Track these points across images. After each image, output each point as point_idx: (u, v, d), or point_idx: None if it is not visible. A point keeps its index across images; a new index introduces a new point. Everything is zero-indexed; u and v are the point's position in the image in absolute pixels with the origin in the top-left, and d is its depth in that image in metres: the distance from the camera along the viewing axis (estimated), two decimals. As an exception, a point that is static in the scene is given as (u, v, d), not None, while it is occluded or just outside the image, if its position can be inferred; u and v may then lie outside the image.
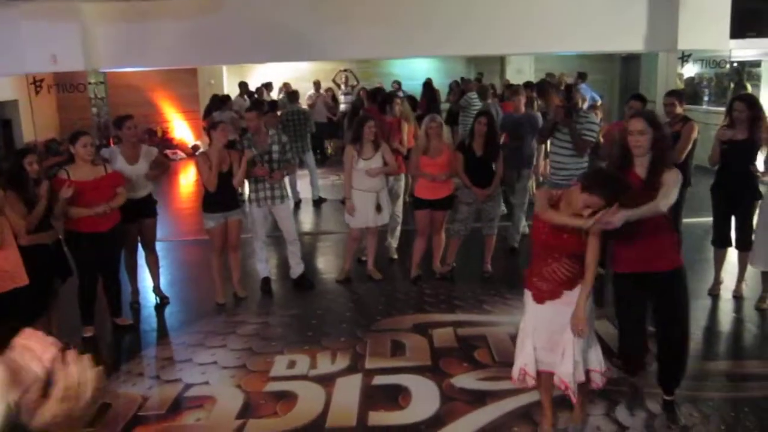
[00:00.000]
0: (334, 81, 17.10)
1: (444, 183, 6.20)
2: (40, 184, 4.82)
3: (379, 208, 6.23)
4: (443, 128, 6.26)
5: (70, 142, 5.23)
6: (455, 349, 4.94)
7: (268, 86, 14.77)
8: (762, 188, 5.52)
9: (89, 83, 9.70)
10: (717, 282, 5.85)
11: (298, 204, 9.78)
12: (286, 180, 6.71)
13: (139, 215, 5.77)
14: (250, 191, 6.13)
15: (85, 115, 10.62)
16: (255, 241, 6.32)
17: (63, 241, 5.21)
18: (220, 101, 11.58)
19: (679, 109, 5.83)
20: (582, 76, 13.21)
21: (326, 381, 4.48)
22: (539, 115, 7.71)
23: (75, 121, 12.31)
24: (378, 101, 8.91)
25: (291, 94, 11.36)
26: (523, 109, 7.45)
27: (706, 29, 8.18)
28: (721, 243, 5.81)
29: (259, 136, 6.07)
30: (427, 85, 14.01)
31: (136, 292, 6.09)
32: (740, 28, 7.51)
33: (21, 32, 8.58)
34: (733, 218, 5.68)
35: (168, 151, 14.98)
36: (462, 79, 14.86)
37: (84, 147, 5.07)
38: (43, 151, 11.75)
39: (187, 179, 13.30)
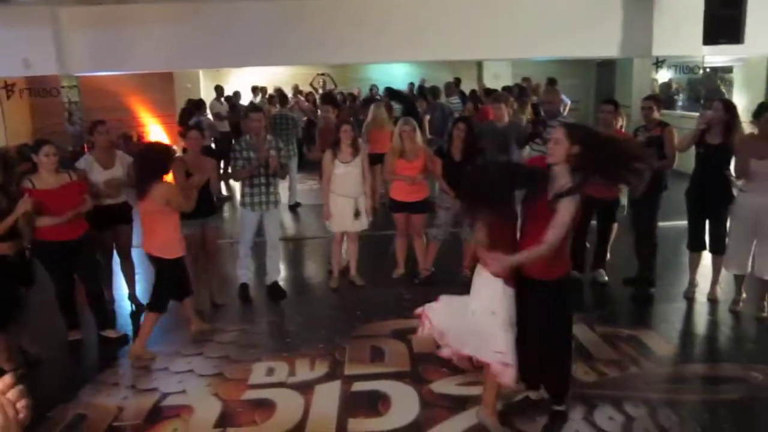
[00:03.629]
0: (311, 85, 17.10)
1: (420, 186, 6.21)
2: (6, 191, 4.69)
3: (357, 214, 6.22)
4: (417, 131, 6.26)
5: (33, 151, 5.12)
6: (434, 354, 4.91)
7: (236, 94, 14.48)
8: (734, 192, 5.59)
9: (62, 87, 9.56)
10: (692, 285, 5.92)
11: (294, 207, 9.80)
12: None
13: (115, 222, 5.70)
14: (244, 195, 6.05)
15: (58, 120, 10.46)
16: (241, 246, 6.24)
17: (31, 251, 5.10)
18: (194, 106, 11.46)
19: (656, 114, 5.91)
20: (552, 82, 13.34)
21: (305, 388, 4.44)
22: (523, 121, 7.44)
23: (47, 126, 12.14)
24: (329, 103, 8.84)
25: (282, 97, 11.28)
26: (507, 118, 6.96)
27: (680, 35, 8.29)
28: (695, 247, 5.88)
29: (258, 139, 6.01)
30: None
31: (111, 300, 6.00)
32: (712, 35, 7.61)
33: (-8, 36, 8.44)
34: (707, 222, 5.75)
35: (144, 156, 14.80)
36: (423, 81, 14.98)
37: (47, 157, 4.95)
38: (15, 156, 11.55)
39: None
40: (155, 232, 4.98)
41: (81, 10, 8.51)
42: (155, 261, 5.06)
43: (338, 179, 6.15)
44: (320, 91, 17.00)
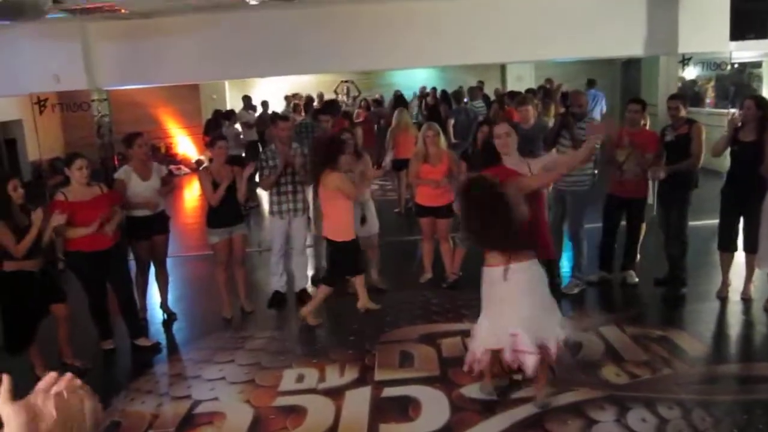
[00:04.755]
0: (335, 92, 17.20)
1: (445, 190, 6.21)
2: (26, 208, 4.75)
3: (363, 220, 6.23)
4: (440, 136, 6.27)
5: (66, 164, 5.23)
6: (463, 358, 4.91)
7: (264, 104, 14.59)
8: None
9: (93, 101, 9.74)
10: (725, 284, 5.82)
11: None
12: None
13: (152, 231, 5.79)
14: (273, 203, 6.14)
15: (89, 133, 10.67)
16: (273, 254, 6.31)
17: (65, 263, 5.18)
18: (222, 116, 11.61)
19: (683, 112, 5.83)
20: (591, 83, 13.24)
21: (335, 394, 4.46)
22: (548, 123, 7.37)
23: (79, 140, 12.39)
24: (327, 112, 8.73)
25: (308, 105, 11.39)
26: (532, 120, 6.72)
27: (706, 32, 8.18)
28: (726, 246, 5.79)
29: (284, 147, 6.07)
30: (398, 97, 13.90)
31: (143, 308, 6.09)
32: (739, 30, 7.49)
33: (24, 52, 8.65)
34: (741, 220, 5.66)
35: (172, 167, 15.03)
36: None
37: (79, 170, 5.04)
38: (48, 170, 11.82)
39: (192, 194, 13.33)
40: (329, 217, 5.55)
41: (109, 24, 8.68)
42: (329, 243, 5.64)
43: None
44: (343, 98, 17.08)
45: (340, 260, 5.64)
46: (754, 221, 5.54)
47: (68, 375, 1.13)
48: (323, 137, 6.64)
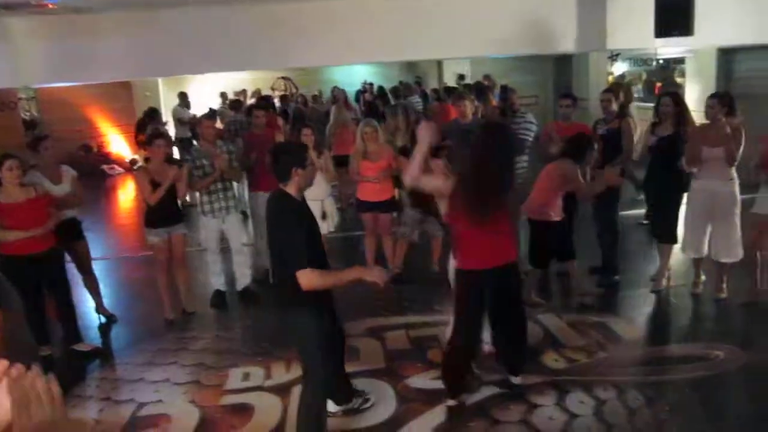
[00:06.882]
0: (272, 89, 17.04)
1: (385, 186, 6.28)
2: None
3: (324, 216, 6.26)
4: (379, 132, 6.33)
5: None
6: (408, 350, 5.01)
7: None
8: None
9: (20, 100, 9.38)
10: (662, 272, 6.09)
11: (243, 214, 9.68)
12: (236, 190, 6.69)
13: (67, 238, 5.59)
14: (204, 202, 6.06)
15: (16, 133, 10.27)
16: (209, 253, 6.24)
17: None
18: (147, 115, 11.30)
19: (614, 106, 6.07)
20: (487, 78, 13.58)
21: (282, 391, 4.48)
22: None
23: (4, 140, 11.88)
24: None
25: (234, 102, 11.25)
26: (470, 115, 6.63)
27: (633, 29, 8.50)
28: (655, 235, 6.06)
29: (209, 145, 6.03)
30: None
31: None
32: (663, 27, 7.83)
33: (-56, 50, 8.25)
34: (660, 210, 5.92)
35: (105, 167, 14.65)
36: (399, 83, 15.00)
37: (9, 170, 4.86)
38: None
39: (126, 194, 13.01)
40: (533, 199, 5.42)
41: (36, 20, 8.37)
42: (531, 223, 5.54)
43: None
44: (279, 95, 16.94)
45: (544, 240, 5.50)
46: (670, 212, 5.79)
47: (18, 365, 1.12)
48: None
